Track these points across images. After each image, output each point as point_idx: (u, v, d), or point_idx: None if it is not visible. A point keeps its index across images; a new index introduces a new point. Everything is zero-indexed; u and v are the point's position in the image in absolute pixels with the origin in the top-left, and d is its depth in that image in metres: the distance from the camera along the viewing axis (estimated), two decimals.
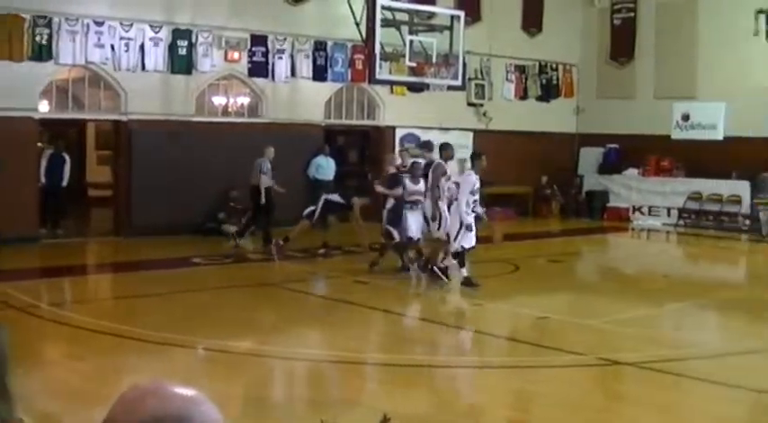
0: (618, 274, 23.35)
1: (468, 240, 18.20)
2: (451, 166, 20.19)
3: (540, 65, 34.81)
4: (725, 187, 30.97)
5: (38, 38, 22.94)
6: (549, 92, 35.12)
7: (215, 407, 2.27)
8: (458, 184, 18.67)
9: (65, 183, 24.65)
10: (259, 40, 26.67)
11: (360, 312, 16.80)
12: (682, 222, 31.58)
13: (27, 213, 23.17)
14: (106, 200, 27.64)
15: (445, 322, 16.67)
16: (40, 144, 25.16)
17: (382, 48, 22.40)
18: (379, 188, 20.98)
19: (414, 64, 22.78)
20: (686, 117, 31.61)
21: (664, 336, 15.63)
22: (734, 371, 12.53)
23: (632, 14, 34.59)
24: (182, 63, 25.22)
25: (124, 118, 24.74)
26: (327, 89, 28.55)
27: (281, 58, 27.08)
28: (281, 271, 20.48)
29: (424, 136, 30.29)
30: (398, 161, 22.80)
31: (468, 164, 19.65)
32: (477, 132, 32.18)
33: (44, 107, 24.36)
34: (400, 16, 23.20)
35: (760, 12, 31.08)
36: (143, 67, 24.53)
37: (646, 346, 14.00)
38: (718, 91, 31.28)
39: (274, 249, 21.72)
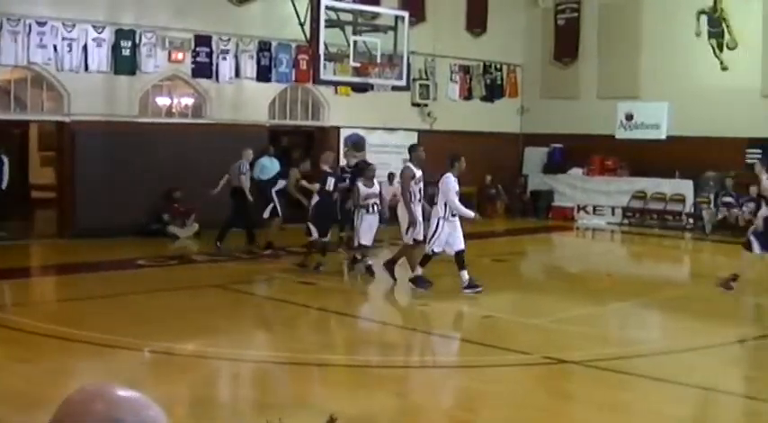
0: (563, 273, 23.46)
1: (440, 245, 18.09)
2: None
3: (484, 65, 34.91)
4: (668, 186, 31.22)
5: None
6: (493, 92, 35.24)
7: (161, 410, 2.25)
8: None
9: (4, 185, 24.34)
10: (203, 40, 26.57)
11: (305, 313, 16.79)
12: (626, 221, 31.81)
13: None
14: (50, 201, 27.39)
15: (391, 322, 16.69)
16: None
17: (326, 48, 22.40)
18: (304, 183, 21.08)
19: (358, 64, 22.79)
20: (630, 117, 31.85)
21: (609, 334, 15.71)
22: (679, 368, 12.62)
23: (576, 15, 34.78)
24: (125, 64, 25.05)
25: (67, 119, 24.55)
26: (272, 90, 28.50)
27: (225, 58, 26.99)
28: (226, 272, 20.38)
29: (369, 137, 30.43)
30: (343, 161, 22.95)
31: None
32: (421, 132, 32.20)
33: None
34: (344, 16, 23.22)
35: (701, 13, 31.38)
36: (86, 68, 24.34)
37: (591, 345, 14.06)
38: (661, 91, 31.56)
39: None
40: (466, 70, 34.36)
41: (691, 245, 28.82)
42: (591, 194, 33.06)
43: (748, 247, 18.51)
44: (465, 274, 17.71)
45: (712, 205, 29.64)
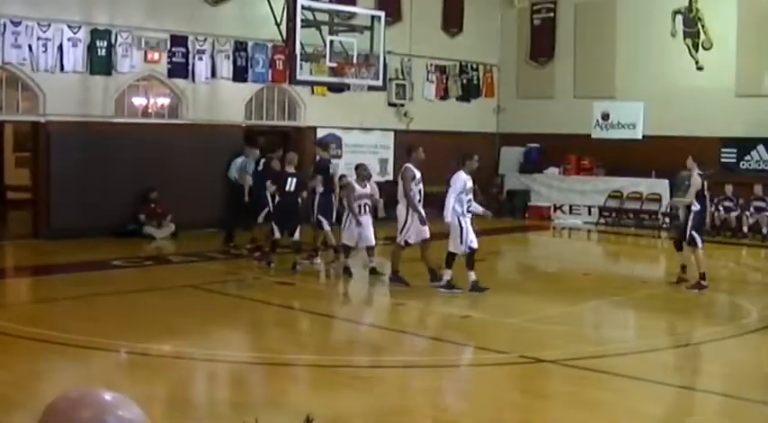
0: (539, 272, 23.50)
1: (474, 241, 18.11)
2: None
3: (460, 65, 34.93)
4: (644, 186, 31.31)
5: None
6: (469, 92, 35.26)
7: (142, 411, 2.25)
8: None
9: None
10: (179, 40, 26.48)
11: (281, 313, 16.79)
12: (602, 221, 31.88)
13: None
14: (25, 202, 27.25)
15: (368, 322, 16.70)
16: None
17: (303, 48, 22.38)
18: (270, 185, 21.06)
19: (334, 64, 22.79)
20: (606, 116, 31.94)
21: (585, 333, 15.76)
22: (655, 367, 12.67)
23: (552, 15, 34.85)
24: (101, 64, 24.93)
25: (42, 119, 24.42)
26: (248, 90, 28.43)
27: (201, 58, 26.91)
28: (202, 273, 20.33)
29: (346, 137, 30.42)
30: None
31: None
32: (397, 132, 32.26)
33: None
34: (321, 16, 23.19)
35: (677, 12, 31.50)
36: (62, 68, 24.22)
37: (567, 344, 14.09)
38: (636, 91, 31.67)
39: (263, 260, 21.36)
40: (442, 70, 34.38)
41: (667, 244, 28.87)
42: (567, 194, 33.13)
43: (693, 243, 18.98)
44: (473, 274, 17.78)
45: None
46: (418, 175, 18.59)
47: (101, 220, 24.51)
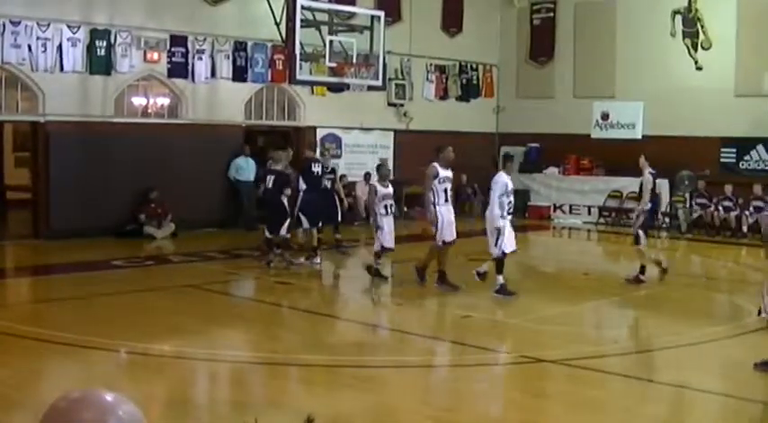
0: (539, 272, 23.51)
1: (510, 244, 18.05)
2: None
3: (460, 65, 34.93)
4: None
5: None
6: (469, 92, 35.26)
7: (139, 411, 2.25)
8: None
9: None
10: (178, 40, 26.46)
11: (281, 313, 16.79)
12: (602, 220, 31.88)
13: None
14: (25, 202, 27.22)
15: (368, 322, 16.68)
16: None
17: (302, 48, 22.39)
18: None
19: (334, 64, 22.80)
20: (605, 116, 31.92)
21: (585, 333, 15.76)
22: (654, 367, 12.68)
23: (551, 15, 34.87)
24: (100, 64, 24.92)
25: (42, 119, 24.40)
26: (247, 90, 28.41)
27: (200, 58, 26.90)
28: (202, 272, 20.31)
29: (345, 137, 30.44)
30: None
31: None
32: (397, 132, 32.29)
33: None
34: (320, 16, 23.21)
35: (676, 13, 31.51)
36: (61, 68, 24.20)
37: (568, 344, 14.09)
38: (636, 90, 31.67)
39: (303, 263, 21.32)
40: (442, 70, 34.38)
41: (666, 244, 28.89)
42: (567, 194, 33.14)
43: (636, 241, 19.74)
44: (501, 278, 17.71)
45: (687, 204, 29.76)
46: (443, 173, 18.28)
47: (101, 219, 24.50)
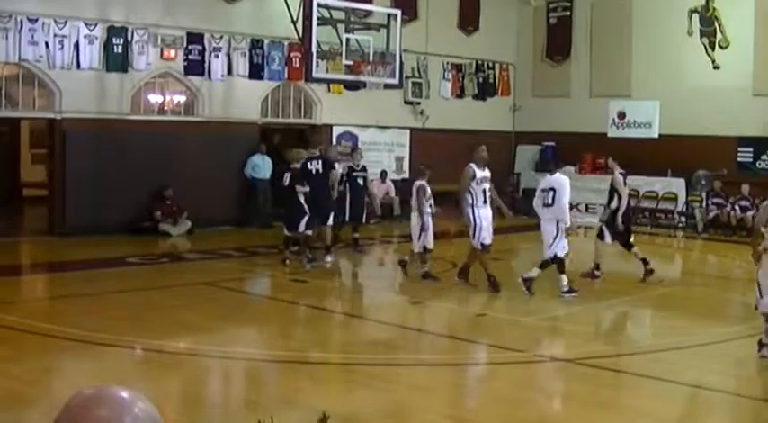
0: (553, 270, 23.45)
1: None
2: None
3: (476, 63, 34.88)
4: (660, 185, 31.21)
5: None
6: (485, 90, 35.20)
7: (157, 411, 2.25)
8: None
9: None
10: (195, 38, 26.49)
11: (295, 311, 16.79)
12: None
13: None
14: (41, 199, 27.30)
15: (383, 320, 16.65)
16: None
17: (319, 46, 22.42)
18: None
19: (350, 62, 22.81)
20: (622, 115, 31.81)
21: (600, 332, 15.75)
22: (669, 366, 12.63)
23: (568, 13, 34.81)
24: (117, 61, 24.96)
25: (58, 117, 24.45)
26: (264, 87, 28.42)
27: (217, 56, 26.91)
28: (217, 270, 20.31)
29: (361, 135, 30.43)
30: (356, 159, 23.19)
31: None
32: (413, 131, 32.28)
33: None
34: (337, 14, 23.23)
35: (693, 11, 31.43)
36: (78, 66, 24.24)
37: (582, 343, 14.08)
38: (652, 89, 31.57)
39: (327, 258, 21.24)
40: (458, 68, 34.34)
41: (683, 243, 28.86)
42: (582, 193, 33.03)
43: (601, 237, 20.19)
44: (564, 278, 17.74)
45: (704, 203, 29.67)
46: (480, 174, 18.09)
47: (116, 217, 24.54)
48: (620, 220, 19.85)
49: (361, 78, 23.36)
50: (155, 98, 26.75)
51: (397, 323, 16.31)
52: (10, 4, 23.09)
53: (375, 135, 31.29)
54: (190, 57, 26.49)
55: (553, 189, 17.82)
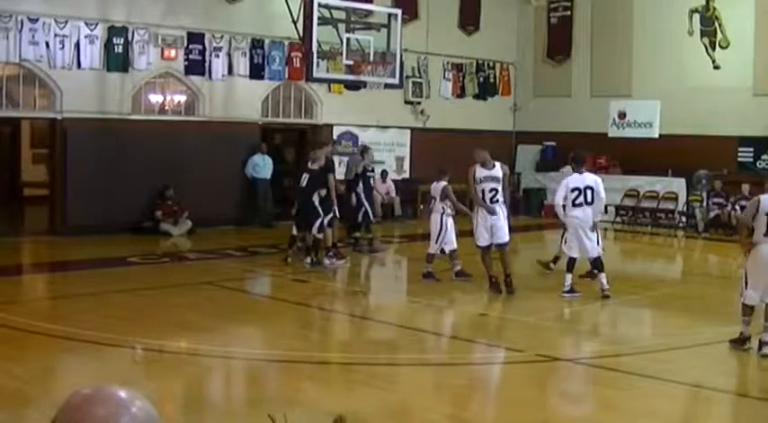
0: (555, 270, 23.43)
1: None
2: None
3: (477, 63, 34.87)
4: (661, 184, 31.22)
5: None
6: (486, 90, 35.20)
7: (155, 411, 2.25)
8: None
9: None
10: (196, 37, 26.48)
11: (299, 311, 16.77)
12: (619, 219, 31.77)
13: None
14: (42, 199, 27.29)
15: (384, 320, 16.65)
16: None
17: (319, 46, 22.42)
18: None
19: (351, 62, 22.81)
20: (622, 115, 31.79)
21: (601, 332, 15.75)
22: (671, 366, 12.62)
23: (568, 13, 34.81)
24: (117, 61, 24.96)
25: (59, 116, 24.45)
26: (264, 87, 28.42)
27: (217, 55, 26.90)
28: (219, 270, 20.31)
29: (362, 135, 30.42)
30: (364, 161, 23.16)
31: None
32: (414, 130, 32.28)
33: None
34: (337, 14, 23.24)
35: (694, 11, 31.44)
36: (78, 65, 24.25)
37: (583, 343, 14.10)
38: (653, 89, 31.56)
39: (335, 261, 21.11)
40: (459, 68, 34.33)
41: (683, 243, 28.86)
42: None
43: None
44: (603, 277, 17.64)
45: (704, 203, 29.66)
46: (481, 173, 17.92)
47: (117, 216, 24.55)
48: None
49: (362, 78, 23.38)
50: (155, 98, 26.74)
51: (399, 323, 16.29)
52: (10, 3, 23.09)
53: (375, 135, 31.27)
54: (190, 56, 26.48)
55: (590, 187, 17.54)
